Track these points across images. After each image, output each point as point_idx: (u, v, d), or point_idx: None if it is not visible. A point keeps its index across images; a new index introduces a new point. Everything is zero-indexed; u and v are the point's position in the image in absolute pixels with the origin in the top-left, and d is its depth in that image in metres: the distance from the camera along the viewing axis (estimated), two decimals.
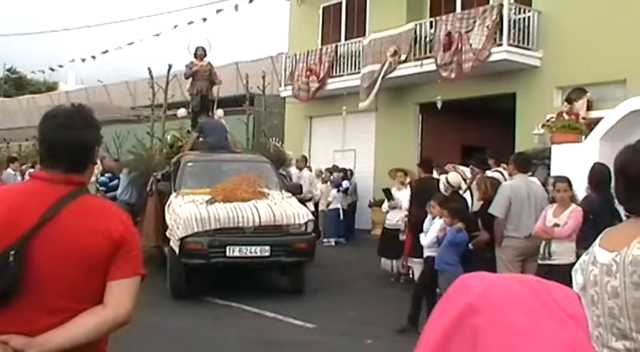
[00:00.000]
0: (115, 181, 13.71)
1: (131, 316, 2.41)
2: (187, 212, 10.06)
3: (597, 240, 2.70)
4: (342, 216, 17.05)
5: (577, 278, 2.78)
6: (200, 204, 10.22)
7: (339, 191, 17.04)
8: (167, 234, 10.42)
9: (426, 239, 8.71)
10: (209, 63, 15.05)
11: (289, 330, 8.63)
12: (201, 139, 12.99)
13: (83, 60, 31.17)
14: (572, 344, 1.17)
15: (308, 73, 20.30)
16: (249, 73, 16.95)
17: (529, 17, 15.65)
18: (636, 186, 2.57)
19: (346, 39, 20.68)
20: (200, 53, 14.99)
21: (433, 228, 8.70)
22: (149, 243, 11.08)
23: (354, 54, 19.57)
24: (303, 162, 15.29)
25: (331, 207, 16.96)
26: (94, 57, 30.32)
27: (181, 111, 15.52)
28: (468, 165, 11.35)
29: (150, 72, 14.33)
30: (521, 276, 1.31)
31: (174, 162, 12.12)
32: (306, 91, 20.40)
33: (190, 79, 14.99)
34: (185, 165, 11.65)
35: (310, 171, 17.67)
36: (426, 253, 8.70)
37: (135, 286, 2.43)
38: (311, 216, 10.71)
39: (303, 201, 14.22)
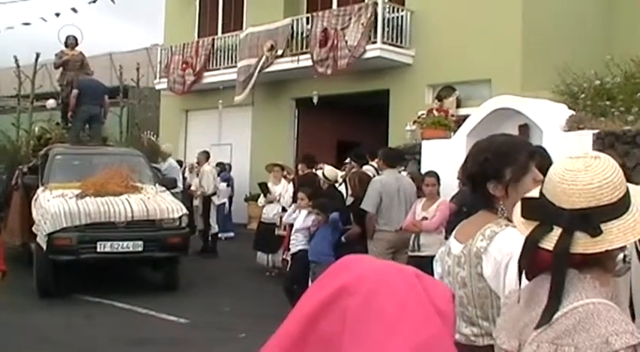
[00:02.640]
0: None
1: None
2: (55, 206, 9.69)
3: (454, 232, 2.83)
4: (226, 210, 17.01)
5: (437, 268, 2.90)
6: (69, 199, 9.87)
7: (228, 185, 16.96)
8: (33, 229, 9.99)
9: (300, 232, 8.81)
10: (80, 53, 14.49)
11: (162, 326, 8.49)
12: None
13: None
14: (432, 338, 1.19)
15: (184, 65, 20.01)
16: (123, 65, 16.49)
17: (402, 16, 16.08)
18: (474, 180, 2.70)
19: (223, 32, 20.52)
20: (71, 42, 14.40)
21: (304, 219, 8.81)
22: (14, 240, 10.62)
23: (230, 47, 19.45)
24: (204, 158, 15.05)
25: (219, 202, 16.86)
26: None
27: (50, 102, 14.92)
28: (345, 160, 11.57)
29: (16, 60, 13.68)
30: (401, 266, 1.33)
31: (42, 154, 11.63)
32: (182, 84, 20.11)
33: (60, 69, 14.40)
34: (54, 157, 11.21)
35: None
36: (298, 247, 8.79)
37: None
38: (185, 211, 10.57)
39: (209, 197, 14.09)
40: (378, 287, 1.24)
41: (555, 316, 1.70)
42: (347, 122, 18.49)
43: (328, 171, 10.47)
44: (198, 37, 21.03)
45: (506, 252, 2.47)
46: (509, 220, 2.59)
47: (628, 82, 11.94)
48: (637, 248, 2.29)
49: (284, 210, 11.64)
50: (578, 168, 1.76)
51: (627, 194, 1.75)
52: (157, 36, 24.05)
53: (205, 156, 15.14)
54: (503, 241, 2.51)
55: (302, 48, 17.11)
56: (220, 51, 19.80)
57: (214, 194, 14.70)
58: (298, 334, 1.29)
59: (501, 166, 2.60)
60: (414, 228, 7.67)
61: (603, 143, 9.27)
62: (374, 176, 9.19)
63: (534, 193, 1.89)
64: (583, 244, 1.70)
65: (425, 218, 7.64)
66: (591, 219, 1.71)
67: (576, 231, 1.72)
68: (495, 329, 1.99)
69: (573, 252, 1.71)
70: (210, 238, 14.38)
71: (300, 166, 12.09)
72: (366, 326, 1.22)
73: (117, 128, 14.60)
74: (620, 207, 1.72)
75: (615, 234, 1.70)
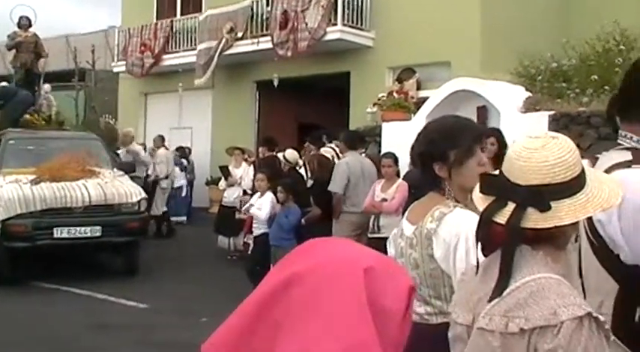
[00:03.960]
0: None
1: None
2: (9, 193, 9.52)
3: (406, 213, 2.84)
4: (184, 194, 16.93)
5: (390, 249, 2.91)
6: (24, 184, 9.70)
7: (182, 170, 16.85)
8: None
9: (262, 213, 8.78)
10: (34, 34, 14.19)
11: (122, 312, 8.43)
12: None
13: None
14: (359, 343, 1.18)
15: (142, 48, 19.76)
16: (80, 47, 16.26)
17: None
18: (421, 160, 2.73)
19: (182, 14, 20.27)
20: (24, 23, 14.09)
21: (264, 202, 8.79)
22: None
23: (190, 30, 19.26)
24: (160, 141, 14.91)
25: (177, 185, 16.77)
26: None
27: (2, 85, 14.59)
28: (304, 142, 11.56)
29: None
30: (356, 259, 1.29)
31: None
32: (141, 67, 19.86)
33: (13, 51, 14.10)
34: (7, 142, 10.99)
35: (167, 149, 17.25)
36: (260, 230, 8.78)
37: None
38: (144, 195, 10.47)
39: (157, 181, 13.98)
40: (324, 282, 1.23)
41: (508, 290, 1.74)
42: (308, 104, 18.45)
43: (289, 153, 10.49)
44: (157, 19, 20.74)
45: (455, 232, 2.50)
46: (457, 201, 2.62)
47: (583, 64, 12.09)
48: (587, 228, 2.31)
49: (245, 193, 11.63)
50: (535, 146, 1.80)
51: (582, 175, 1.80)
52: (114, 18, 23.69)
53: (161, 140, 15.02)
54: (451, 222, 2.54)
55: (262, 30, 16.99)
56: (179, 33, 19.59)
57: (167, 178, 14.63)
58: (249, 319, 1.28)
59: (446, 148, 2.62)
60: (374, 210, 7.70)
61: (558, 124, 9.39)
62: (332, 158, 9.20)
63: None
64: (534, 220, 1.75)
65: (384, 199, 7.67)
66: (543, 195, 1.76)
67: (529, 207, 1.77)
68: (451, 305, 2.03)
69: (524, 226, 1.75)
70: (165, 222, 14.39)
71: (260, 149, 12.07)
72: (306, 319, 1.21)
73: (73, 111, 14.36)
74: (573, 186, 1.77)
75: (565, 212, 1.75)
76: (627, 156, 2.31)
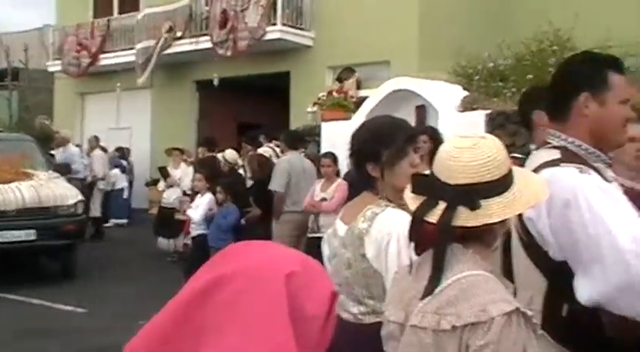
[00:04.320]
0: None
1: None
2: None
3: (340, 214, 2.86)
4: (125, 196, 16.70)
5: (325, 250, 2.92)
6: None
7: (123, 172, 16.62)
8: None
9: (196, 214, 8.72)
10: None
11: (58, 317, 8.24)
12: None
13: None
14: (272, 350, 1.18)
15: (79, 47, 19.38)
16: (14, 46, 15.84)
17: None
18: (355, 159, 2.74)
19: (120, 13, 19.99)
20: None
21: (201, 202, 8.72)
22: None
23: (128, 29, 18.99)
24: (95, 142, 14.67)
25: (118, 187, 16.53)
26: None
27: None
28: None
29: None
30: (278, 264, 1.27)
31: None
32: (77, 66, 19.49)
33: None
34: None
35: (104, 151, 16.96)
36: (197, 231, 8.71)
37: None
38: (81, 197, 10.27)
39: (94, 182, 13.74)
40: (246, 287, 1.22)
41: (439, 288, 1.77)
42: (248, 104, 18.38)
43: (228, 153, 10.45)
44: (94, 17, 20.39)
45: (386, 232, 2.52)
46: (390, 201, 2.63)
47: (519, 63, 12.33)
48: (517, 226, 2.36)
49: (185, 194, 11.53)
50: (464, 146, 1.83)
51: (509, 174, 1.84)
52: (49, 16, 23.14)
53: (95, 140, 14.81)
54: (383, 222, 2.56)
55: (201, 29, 16.88)
56: (117, 32, 19.31)
57: (103, 179, 14.43)
58: (172, 321, 1.26)
59: (378, 148, 2.63)
60: (313, 209, 7.72)
61: (494, 122, 9.55)
62: (271, 158, 9.18)
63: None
64: (464, 218, 1.78)
65: (324, 199, 7.69)
66: (472, 194, 1.80)
67: (459, 206, 1.80)
68: (384, 303, 2.04)
69: (454, 225, 1.79)
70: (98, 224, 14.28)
71: (200, 149, 11.98)
72: (227, 323, 1.20)
73: (6, 112, 14.00)
74: (500, 185, 1.81)
75: (494, 210, 1.78)
76: (556, 154, 2.36)
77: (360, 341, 2.52)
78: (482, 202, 1.78)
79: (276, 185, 8.30)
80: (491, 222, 1.78)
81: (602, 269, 2.11)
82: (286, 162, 8.48)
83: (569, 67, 2.57)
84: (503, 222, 1.83)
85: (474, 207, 1.77)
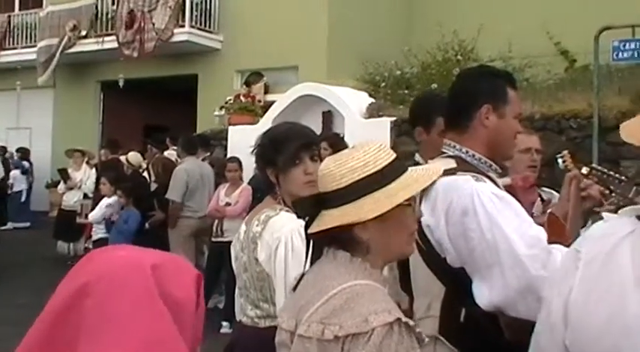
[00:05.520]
0: None
1: None
2: None
3: (246, 218, 2.87)
4: (24, 198, 16.15)
5: (232, 253, 2.92)
6: None
7: (23, 173, 16.08)
8: None
9: (92, 215, 8.54)
10: None
11: None
12: None
13: None
14: (158, 341, 1.19)
15: None
16: None
17: (210, 1, 15.95)
18: (257, 164, 2.78)
19: (20, 9, 19.34)
20: None
21: (102, 204, 8.56)
22: None
23: (29, 26, 18.46)
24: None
25: (16, 189, 15.97)
26: None
27: None
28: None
29: None
30: (140, 259, 1.28)
31: None
32: None
33: None
34: None
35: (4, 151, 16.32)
36: (98, 235, 8.52)
37: None
38: None
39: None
40: (112, 288, 1.21)
41: (326, 297, 1.77)
42: (155, 107, 18.08)
43: (132, 156, 10.26)
44: None
45: (277, 236, 2.54)
46: (288, 206, 2.65)
47: (424, 72, 12.63)
48: (415, 235, 2.40)
49: (86, 196, 11.27)
50: (335, 157, 1.89)
51: (366, 179, 1.83)
52: None
53: None
54: (274, 226, 2.58)
55: (107, 29, 16.53)
56: (18, 29, 18.70)
57: (2, 180, 13.95)
58: (43, 338, 1.23)
59: (274, 154, 2.66)
60: (218, 214, 7.67)
61: (400, 130, 9.70)
62: (177, 161, 9.07)
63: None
64: (328, 221, 1.82)
65: (228, 203, 7.65)
66: (332, 200, 1.84)
67: (324, 211, 1.85)
68: (279, 310, 2.04)
69: (317, 229, 1.83)
70: None
71: (103, 151, 11.75)
72: (100, 329, 1.19)
73: None
74: (358, 190, 1.82)
75: (339, 214, 1.82)
76: (452, 163, 2.41)
77: (256, 344, 2.53)
78: (352, 204, 1.80)
79: (173, 195, 8.22)
80: (342, 224, 1.79)
81: (501, 273, 2.17)
82: (183, 171, 8.36)
83: (471, 80, 2.64)
84: (386, 233, 1.85)
85: (342, 205, 1.82)
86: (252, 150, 2.79)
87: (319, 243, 1.93)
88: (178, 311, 1.23)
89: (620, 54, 8.95)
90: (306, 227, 1.90)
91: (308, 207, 1.90)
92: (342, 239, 1.85)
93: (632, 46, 8.86)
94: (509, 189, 2.90)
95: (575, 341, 1.47)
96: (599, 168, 3.06)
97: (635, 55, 8.87)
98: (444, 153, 2.52)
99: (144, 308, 1.20)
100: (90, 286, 1.21)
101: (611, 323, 1.39)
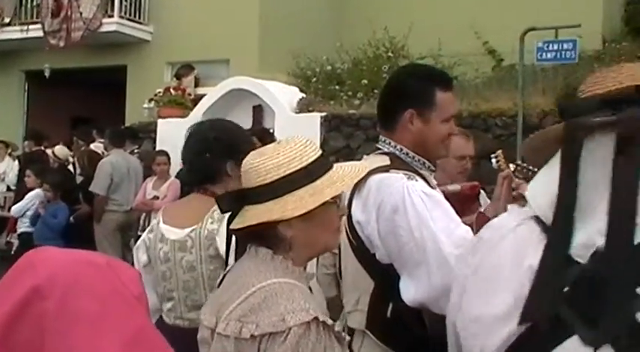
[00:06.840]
0: None
1: None
2: None
3: (159, 218, 2.80)
4: None
5: (140, 255, 2.84)
6: None
7: None
8: None
9: (15, 208, 8.34)
10: None
11: None
12: None
13: None
14: (140, 331, 1.17)
15: None
16: None
17: None
18: (212, 157, 2.75)
19: None
20: None
21: (26, 197, 8.36)
22: None
23: None
24: None
25: None
26: None
27: None
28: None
29: None
30: (90, 256, 1.25)
31: None
32: None
33: None
34: None
35: None
36: (22, 229, 8.31)
37: None
38: None
39: None
40: (73, 287, 1.16)
41: (245, 294, 1.76)
42: (83, 98, 17.63)
43: (58, 149, 10.04)
44: None
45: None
46: None
47: (356, 68, 12.72)
48: (346, 229, 2.43)
49: (9, 189, 10.97)
50: (260, 151, 1.88)
51: (291, 175, 1.82)
52: None
53: None
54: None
55: (32, 17, 16.04)
56: None
57: None
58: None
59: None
60: (145, 207, 7.57)
61: (330, 125, 9.77)
62: (103, 154, 8.91)
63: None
64: (252, 218, 1.81)
65: (156, 197, 7.56)
66: (256, 196, 1.83)
67: (247, 206, 1.85)
68: (203, 306, 2.02)
69: (240, 226, 1.82)
70: None
71: (27, 143, 11.43)
72: (68, 331, 1.13)
73: None
74: (283, 186, 1.80)
75: (263, 211, 1.80)
76: (386, 160, 2.44)
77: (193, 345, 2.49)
78: (275, 200, 1.79)
79: (97, 188, 8.11)
80: (259, 222, 1.78)
81: (427, 271, 2.21)
82: (109, 164, 8.25)
83: (399, 81, 2.64)
84: (310, 230, 1.84)
85: (263, 202, 1.81)
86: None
87: (243, 240, 1.91)
88: (141, 306, 1.22)
89: (544, 54, 9.20)
90: (229, 222, 1.89)
91: (231, 201, 1.88)
92: (264, 235, 1.84)
93: (556, 47, 9.13)
94: (456, 196, 2.97)
95: (462, 328, 1.48)
96: (524, 165, 3.14)
97: (558, 56, 9.14)
98: (379, 149, 2.55)
99: (114, 304, 1.17)
100: (43, 289, 1.15)
101: (480, 316, 1.39)
